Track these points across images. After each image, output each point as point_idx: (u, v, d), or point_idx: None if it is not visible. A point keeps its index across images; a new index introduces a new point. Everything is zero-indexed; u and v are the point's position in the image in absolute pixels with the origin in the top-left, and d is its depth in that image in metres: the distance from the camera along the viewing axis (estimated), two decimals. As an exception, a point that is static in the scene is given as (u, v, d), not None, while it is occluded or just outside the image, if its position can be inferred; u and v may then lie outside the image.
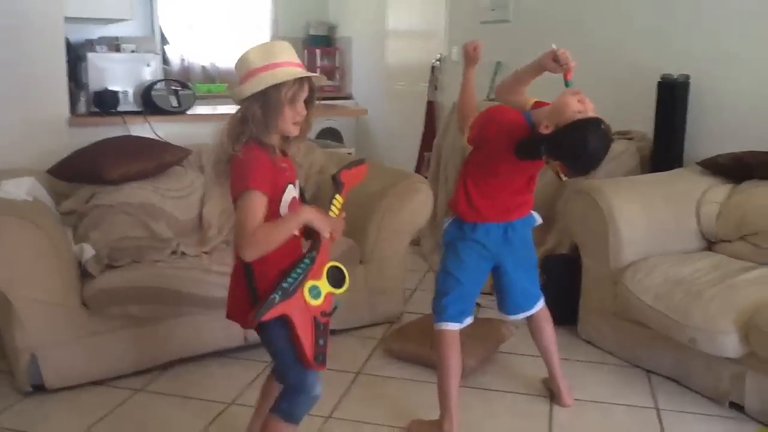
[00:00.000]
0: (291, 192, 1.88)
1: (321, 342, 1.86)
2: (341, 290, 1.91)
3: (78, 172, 3.05)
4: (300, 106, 1.82)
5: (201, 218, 3.14)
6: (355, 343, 3.03)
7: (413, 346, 2.81)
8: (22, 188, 2.70)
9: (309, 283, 1.82)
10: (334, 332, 3.02)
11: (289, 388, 1.96)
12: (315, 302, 1.84)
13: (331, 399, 2.54)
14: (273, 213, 1.81)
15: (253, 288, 1.83)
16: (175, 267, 2.73)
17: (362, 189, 3.18)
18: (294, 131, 1.86)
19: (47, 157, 3.14)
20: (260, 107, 1.76)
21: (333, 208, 1.94)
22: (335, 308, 1.92)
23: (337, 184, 1.99)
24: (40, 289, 2.46)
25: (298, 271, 1.80)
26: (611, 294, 2.81)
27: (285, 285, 1.77)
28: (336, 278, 1.90)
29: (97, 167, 3.00)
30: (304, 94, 1.83)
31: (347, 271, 1.92)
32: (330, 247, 1.90)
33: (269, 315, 1.74)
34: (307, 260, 1.83)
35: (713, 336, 2.37)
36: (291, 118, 1.81)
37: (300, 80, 1.80)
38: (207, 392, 2.61)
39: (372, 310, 3.15)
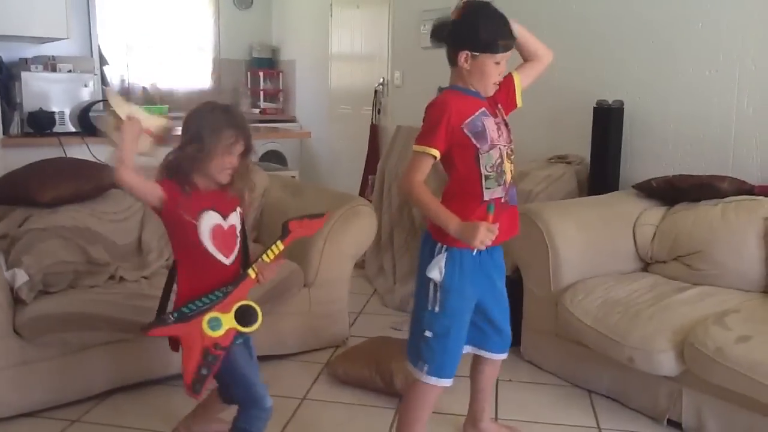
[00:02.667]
0: (212, 218, 1.98)
1: (204, 372, 1.94)
2: (248, 329, 2.00)
3: (9, 194, 2.94)
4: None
5: (140, 242, 3.07)
6: (300, 368, 2.99)
7: (359, 369, 2.80)
8: None
9: (211, 315, 1.93)
10: (276, 357, 3.00)
11: (240, 406, 2.04)
12: (212, 333, 1.93)
13: (276, 426, 2.49)
14: (189, 234, 1.95)
15: (164, 302, 2.03)
16: (113, 292, 2.66)
17: (306, 212, 3.19)
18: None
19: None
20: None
21: (269, 253, 2.04)
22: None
23: (283, 232, 2.08)
24: (-32, 317, 2.35)
25: (205, 300, 1.95)
26: (552, 315, 2.86)
27: (185, 310, 1.94)
28: (245, 317, 1.98)
29: (29, 189, 2.91)
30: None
31: (260, 312, 2.00)
32: (252, 287, 2.01)
33: (157, 332, 1.95)
34: (219, 293, 1.95)
35: (650, 355, 2.43)
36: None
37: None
38: (146, 422, 2.53)
39: (317, 334, 3.12)
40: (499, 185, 2.00)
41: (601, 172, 3.53)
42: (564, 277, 2.88)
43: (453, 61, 2.00)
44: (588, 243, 2.96)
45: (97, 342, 2.59)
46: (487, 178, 1.98)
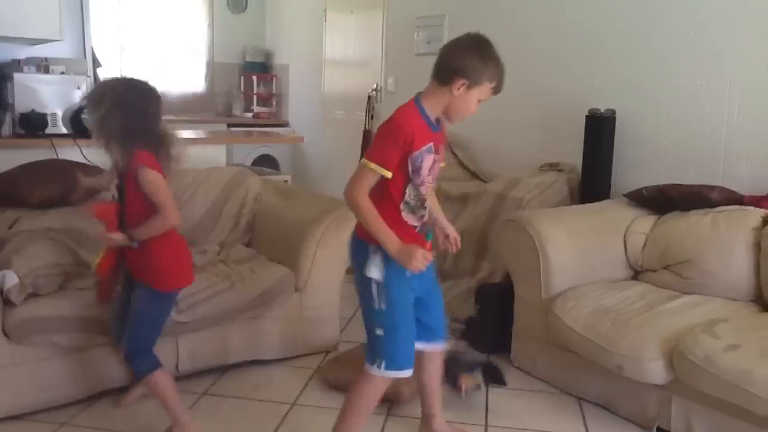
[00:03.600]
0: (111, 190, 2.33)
1: None
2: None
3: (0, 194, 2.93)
4: None
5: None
6: (290, 373, 2.99)
7: (349, 375, 2.78)
8: None
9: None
10: (267, 362, 3.00)
11: None
12: None
13: (266, 431, 2.49)
14: None
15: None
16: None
17: (298, 217, 3.21)
18: None
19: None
20: None
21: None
22: None
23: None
24: (-43, 319, 2.34)
25: None
26: (543, 322, 2.87)
27: None
28: None
29: (20, 190, 2.89)
30: None
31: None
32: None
33: None
34: None
35: (640, 363, 2.44)
36: None
37: None
38: (135, 423, 2.52)
39: (307, 339, 3.12)
40: (415, 215, 2.07)
41: (592, 180, 3.55)
42: (555, 284, 2.89)
43: (445, 81, 2.01)
44: (579, 251, 2.98)
45: (87, 344, 2.58)
46: (406, 203, 2.05)
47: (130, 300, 2.37)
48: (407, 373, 2.13)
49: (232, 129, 6.22)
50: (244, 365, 2.96)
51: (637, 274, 3.08)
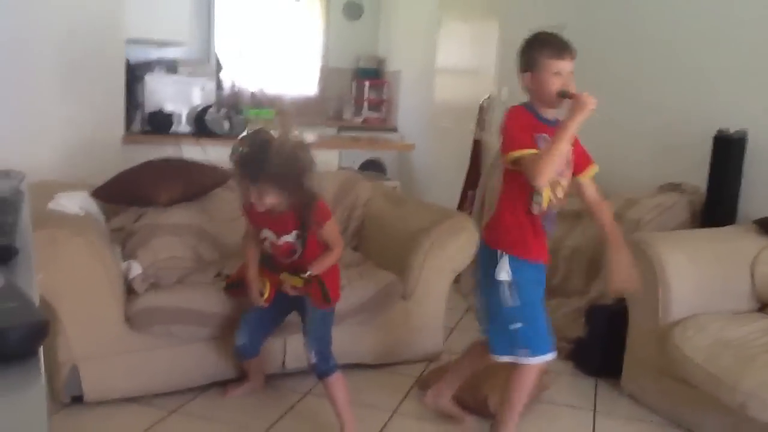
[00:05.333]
0: (266, 234, 2.39)
1: None
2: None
3: (127, 195, 3.03)
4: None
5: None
6: (392, 380, 2.99)
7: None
8: (76, 202, 2.74)
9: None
10: (370, 367, 3.01)
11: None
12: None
13: (367, 437, 2.51)
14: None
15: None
16: (219, 289, 2.74)
17: (407, 225, 3.21)
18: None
19: (100, 173, 3.19)
20: None
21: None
22: None
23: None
24: (86, 303, 2.48)
25: None
26: (657, 349, 2.74)
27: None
28: None
29: (148, 192, 2.99)
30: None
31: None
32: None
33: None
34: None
35: (765, 403, 2.28)
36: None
37: None
38: (240, 417, 2.60)
39: (411, 347, 3.11)
40: (537, 205, 2.20)
41: (717, 204, 3.35)
42: (673, 311, 2.75)
43: (522, 84, 2.23)
44: (700, 277, 2.82)
45: (202, 337, 2.68)
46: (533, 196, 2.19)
47: (275, 315, 2.60)
48: (552, 356, 2.27)
49: (342, 133, 6.33)
50: (347, 368, 2.96)
51: (763, 307, 2.88)
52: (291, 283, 2.40)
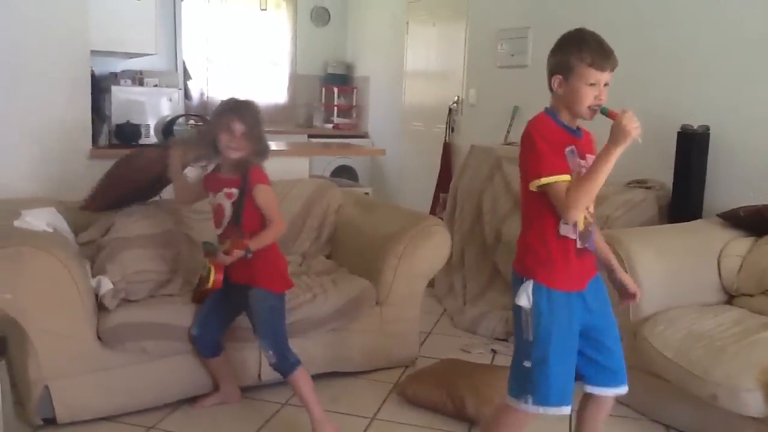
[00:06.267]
0: (211, 198, 2.57)
1: None
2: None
3: (118, 200, 2.99)
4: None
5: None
6: (369, 387, 2.99)
7: (429, 391, 2.77)
8: (42, 219, 2.70)
9: None
10: (346, 374, 3.01)
11: None
12: None
13: (346, 445, 2.50)
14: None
15: None
16: (192, 303, 2.71)
17: (379, 230, 3.21)
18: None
19: (66, 187, 3.15)
20: None
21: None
22: None
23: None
24: (56, 321, 2.44)
25: None
26: (630, 345, 2.75)
27: None
28: None
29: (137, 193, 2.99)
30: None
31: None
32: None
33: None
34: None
35: (736, 393, 2.32)
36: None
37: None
38: (218, 430, 2.57)
39: (386, 353, 3.12)
40: (568, 227, 1.92)
41: (683, 199, 3.41)
42: (644, 306, 2.79)
43: (550, 87, 1.98)
44: (669, 272, 2.86)
45: (175, 351, 2.66)
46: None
47: (227, 308, 2.63)
48: (562, 410, 1.95)
49: (313, 140, 6.32)
50: (323, 377, 2.97)
51: (731, 298, 2.94)
52: (224, 249, 2.44)
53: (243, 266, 2.48)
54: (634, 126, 1.81)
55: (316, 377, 2.94)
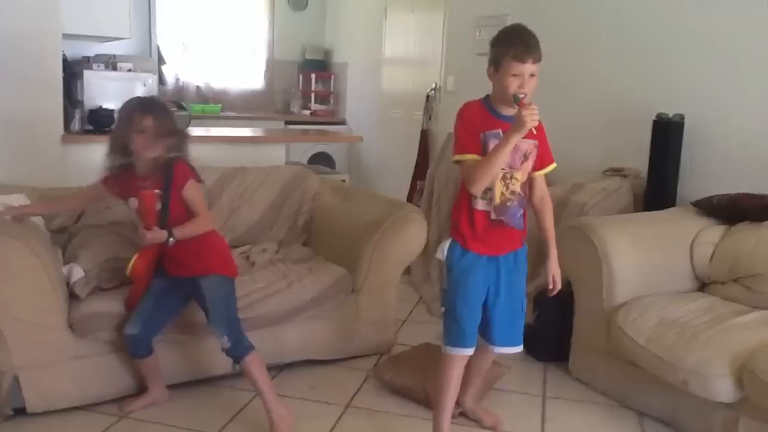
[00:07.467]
0: (133, 203, 2.48)
1: None
2: None
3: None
4: None
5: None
6: (345, 374, 2.99)
7: (405, 378, 2.78)
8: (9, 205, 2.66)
9: None
10: (322, 362, 3.00)
11: None
12: None
13: (320, 432, 2.50)
14: None
15: None
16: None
17: (356, 218, 3.20)
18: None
19: (39, 174, 3.10)
20: None
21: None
22: None
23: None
24: (26, 310, 2.41)
25: None
26: (604, 332, 2.80)
27: None
28: None
29: None
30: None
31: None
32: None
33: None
34: None
35: (706, 380, 2.35)
36: None
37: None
38: (192, 421, 2.56)
39: (363, 340, 3.11)
40: (484, 200, 2.22)
41: (658, 187, 3.44)
42: (617, 294, 2.81)
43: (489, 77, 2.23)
44: (643, 260, 2.89)
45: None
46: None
47: (172, 305, 2.57)
48: (464, 351, 2.30)
49: (290, 126, 6.28)
50: (299, 365, 2.97)
51: (703, 286, 2.97)
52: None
53: (191, 257, 2.47)
54: (531, 117, 2.04)
55: (292, 365, 2.96)
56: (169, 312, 2.59)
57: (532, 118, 2.04)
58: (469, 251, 2.25)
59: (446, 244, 2.28)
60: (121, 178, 2.48)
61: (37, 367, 2.46)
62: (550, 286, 2.37)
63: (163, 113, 2.48)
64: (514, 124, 2.08)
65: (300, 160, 5.68)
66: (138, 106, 2.46)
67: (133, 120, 2.40)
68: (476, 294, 2.28)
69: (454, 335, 2.29)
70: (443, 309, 2.32)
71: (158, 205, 2.42)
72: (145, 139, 2.39)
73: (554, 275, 2.35)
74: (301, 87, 6.93)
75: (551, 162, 2.35)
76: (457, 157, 2.20)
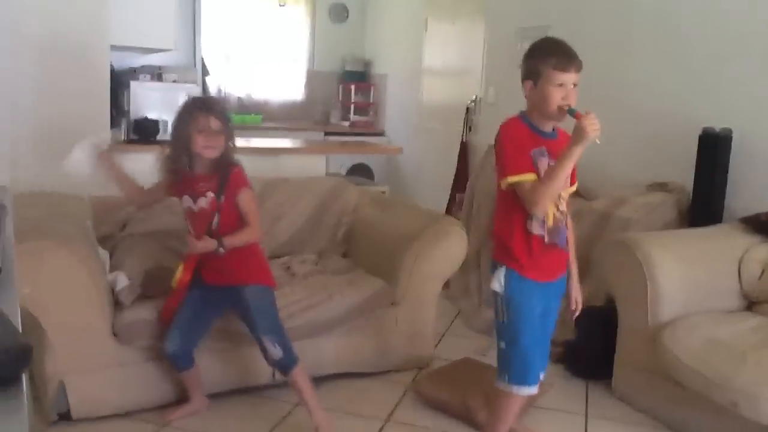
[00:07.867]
0: (186, 201, 2.45)
1: None
2: None
3: None
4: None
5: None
6: (383, 388, 2.97)
7: (444, 393, 2.75)
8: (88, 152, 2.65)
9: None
10: (361, 375, 2.99)
11: None
12: None
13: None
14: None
15: None
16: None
17: (395, 229, 3.20)
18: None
19: (86, 182, 3.15)
20: None
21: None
22: None
23: None
24: (73, 315, 2.45)
25: None
26: (648, 350, 2.74)
27: None
28: None
29: None
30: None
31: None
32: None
33: None
34: None
35: (758, 401, 2.28)
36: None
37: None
38: (233, 431, 2.57)
39: (401, 353, 3.10)
40: (537, 223, 2.11)
41: (704, 203, 3.36)
42: (662, 311, 2.76)
43: (524, 93, 2.15)
44: (689, 277, 2.83)
45: (189, 348, 2.65)
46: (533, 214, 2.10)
47: (208, 316, 2.57)
48: (528, 390, 2.20)
49: (329, 137, 6.31)
50: (337, 377, 2.96)
51: (751, 305, 2.89)
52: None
53: (234, 265, 2.46)
54: (593, 127, 1.93)
55: (331, 377, 2.95)
56: (207, 322, 2.60)
57: (593, 129, 1.92)
58: (528, 279, 2.13)
59: (501, 273, 2.14)
60: (178, 177, 2.47)
61: (82, 372, 2.50)
62: (573, 307, 2.31)
63: (226, 114, 2.48)
64: (574, 137, 1.96)
65: (339, 171, 5.70)
66: (204, 105, 2.46)
67: (199, 117, 2.38)
68: (540, 326, 2.18)
69: (519, 373, 2.18)
70: (502, 344, 2.19)
71: (215, 214, 2.41)
72: (209, 137, 2.38)
73: (576, 297, 2.29)
74: (340, 98, 6.96)
75: (574, 182, 2.25)
76: (515, 179, 2.04)
